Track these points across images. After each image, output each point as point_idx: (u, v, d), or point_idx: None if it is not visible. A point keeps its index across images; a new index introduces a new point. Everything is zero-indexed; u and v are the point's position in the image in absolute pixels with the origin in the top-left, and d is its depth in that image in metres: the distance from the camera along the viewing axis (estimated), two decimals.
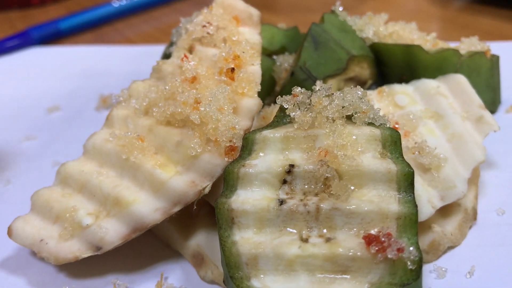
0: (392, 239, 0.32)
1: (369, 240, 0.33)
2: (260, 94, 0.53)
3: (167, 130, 0.42)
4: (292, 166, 0.37)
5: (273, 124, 0.40)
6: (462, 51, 0.53)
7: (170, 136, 0.42)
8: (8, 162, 0.56)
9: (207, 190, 0.40)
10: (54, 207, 0.42)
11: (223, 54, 0.44)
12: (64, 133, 0.61)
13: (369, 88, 0.56)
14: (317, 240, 0.34)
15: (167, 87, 0.44)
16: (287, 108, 0.39)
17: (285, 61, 0.53)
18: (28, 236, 0.41)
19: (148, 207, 0.40)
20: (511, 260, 0.40)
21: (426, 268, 0.40)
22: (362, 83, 0.55)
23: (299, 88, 0.40)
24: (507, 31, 0.80)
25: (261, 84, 0.53)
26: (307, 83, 0.49)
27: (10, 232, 0.42)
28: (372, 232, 0.34)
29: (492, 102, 0.56)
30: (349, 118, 0.39)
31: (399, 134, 0.37)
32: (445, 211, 0.43)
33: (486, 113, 0.47)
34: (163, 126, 0.43)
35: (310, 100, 0.39)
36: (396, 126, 0.45)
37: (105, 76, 0.74)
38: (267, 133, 0.39)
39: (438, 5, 0.94)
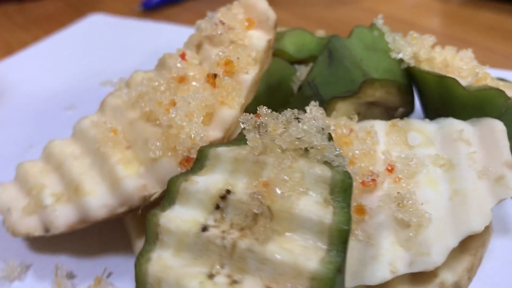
0: None
1: None
2: (275, 104, 0.50)
3: (144, 127, 0.41)
4: (228, 192, 0.33)
5: (233, 142, 0.37)
6: None
7: (144, 133, 0.41)
8: (42, 127, 0.60)
9: (153, 198, 0.39)
10: (29, 181, 0.43)
11: (217, 57, 0.42)
12: None
13: (404, 116, 0.49)
14: (223, 279, 0.31)
15: (156, 83, 0.43)
16: (244, 128, 0.36)
17: (305, 72, 0.48)
18: (1, 202, 0.43)
19: (98, 202, 0.39)
20: None
21: None
22: (392, 110, 0.48)
23: (265, 108, 0.36)
24: (509, 26, 0.77)
25: (279, 93, 0.50)
26: (313, 100, 0.44)
27: None
28: (278, 286, 0.29)
29: None
30: (307, 151, 0.34)
31: (351, 182, 0.32)
32: (416, 279, 0.36)
33: (509, 174, 0.38)
34: (143, 122, 0.42)
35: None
36: (389, 168, 0.39)
37: None
38: (221, 150, 0.36)
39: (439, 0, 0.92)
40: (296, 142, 0.33)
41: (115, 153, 0.41)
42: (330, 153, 0.33)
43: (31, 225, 0.41)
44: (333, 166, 0.33)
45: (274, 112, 0.36)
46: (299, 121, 0.34)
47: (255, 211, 0.32)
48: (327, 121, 0.34)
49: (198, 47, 0.46)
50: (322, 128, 0.34)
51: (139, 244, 0.41)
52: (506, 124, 0.42)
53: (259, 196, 0.32)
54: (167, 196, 0.36)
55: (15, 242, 0.44)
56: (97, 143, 0.42)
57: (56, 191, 0.42)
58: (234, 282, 0.31)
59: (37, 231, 0.41)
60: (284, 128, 0.34)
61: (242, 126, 0.36)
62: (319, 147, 0.33)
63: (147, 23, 0.88)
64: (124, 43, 0.82)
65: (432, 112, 0.48)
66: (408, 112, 0.49)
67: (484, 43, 0.72)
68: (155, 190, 0.39)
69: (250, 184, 0.33)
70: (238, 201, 0.33)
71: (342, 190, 0.32)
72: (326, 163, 0.33)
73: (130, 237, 0.43)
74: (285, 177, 0.32)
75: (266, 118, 0.35)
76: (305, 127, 0.33)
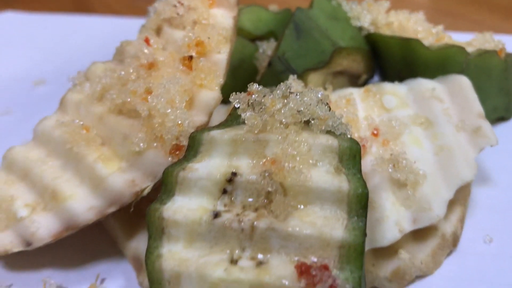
0: (326, 273, 0.28)
1: (301, 271, 0.28)
2: (239, 84, 0.49)
3: (117, 120, 0.39)
4: (234, 174, 0.32)
5: (225, 124, 0.36)
6: (471, 48, 0.46)
7: (119, 127, 0.38)
8: None
9: (146, 192, 0.36)
10: None
11: (186, 39, 0.40)
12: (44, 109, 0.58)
13: (365, 83, 0.50)
14: (248, 263, 0.30)
15: (123, 73, 0.40)
16: (238, 108, 0.35)
17: (269, 48, 0.48)
18: None
19: (83, 205, 0.36)
20: None
21: None
22: (355, 78, 0.49)
23: (256, 85, 0.35)
24: None
25: (241, 72, 0.49)
26: (285, 75, 0.44)
27: None
28: (308, 260, 0.29)
29: (506, 108, 0.49)
30: (308, 124, 0.34)
31: (359, 147, 0.32)
32: (418, 235, 0.37)
33: (485, 124, 0.40)
34: (114, 115, 0.39)
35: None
36: (375, 132, 0.40)
37: (100, 49, 0.70)
38: (215, 133, 0.34)
39: None
40: (298, 115, 0.33)
41: (90, 152, 0.38)
42: (333, 122, 0.33)
43: (7, 241, 0.37)
44: (338, 134, 0.33)
45: (265, 88, 0.35)
46: (296, 95, 0.33)
47: (269, 189, 0.31)
48: (323, 92, 0.34)
49: (158, 31, 0.44)
50: (321, 99, 0.33)
51: (130, 244, 0.39)
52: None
53: (270, 174, 0.31)
54: (164, 188, 0.34)
55: None
56: (67, 143, 0.39)
57: (28, 201, 0.38)
58: (260, 263, 0.30)
59: (16, 247, 0.37)
60: (283, 102, 0.33)
61: (237, 106, 0.34)
62: (322, 118, 0.33)
63: (63, 17, 0.82)
64: (45, 40, 0.76)
65: (394, 76, 0.49)
66: (368, 78, 0.50)
67: (471, 15, 0.73)
68: (145, 184, 0.36)
69: (256, 164, 0.32)
70: (247, 182, 0.32)
71: (351, 157, 0.32)
72: (329, 132, 0.33)
73: (116, 239, 0.40)
74: (293, 151, 0.32)
75: (257, 95, 0.34)
76: (305, 98, 0.33)
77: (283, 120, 0.33)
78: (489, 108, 0.48)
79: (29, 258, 0.40)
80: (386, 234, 0.35)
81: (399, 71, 0.48)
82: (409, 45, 0.45)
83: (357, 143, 0.32)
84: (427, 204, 0.36)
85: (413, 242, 0.37)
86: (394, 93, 0.43)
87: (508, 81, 0.48)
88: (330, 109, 0.34)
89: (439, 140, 0.40)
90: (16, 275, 0.39)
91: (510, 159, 0.45)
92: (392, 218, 0.36)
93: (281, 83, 0.34)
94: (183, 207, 0.32)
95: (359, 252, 0.29)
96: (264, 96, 0.34)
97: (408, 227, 0.36)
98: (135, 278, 0.38)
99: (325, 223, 0.30)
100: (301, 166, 0.31)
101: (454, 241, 0.38)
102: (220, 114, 0.45)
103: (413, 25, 0.48)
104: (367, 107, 0.42)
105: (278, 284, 0.28)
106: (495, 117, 0.49)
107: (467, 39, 0.49)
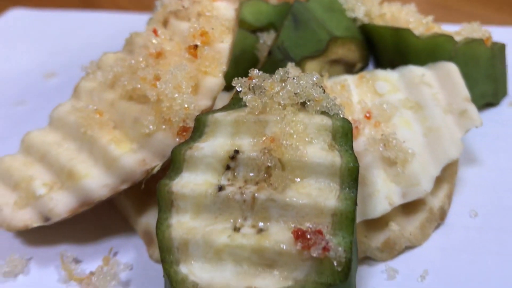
0: (319, 237, 0.31)
1: (297, 235, 0.31)
2: (241, 73, 0.52)
3: (128, 106, 0.42)
4: (236, 152, 0.35)
5: (228, 107, 0.39)
6: (459, 38, 0.49)
7: (130, 111, 0.41)
8: None
9: (155, 170, 0.39)
10: (14, 175, 0.42)
11: (191, 30, 0.43)
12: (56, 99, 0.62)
13: (360, 71, 0.53)
14: (249, 230, 0.33)
15: (133, 61, 0.43)
16: (240, 91, 0.37)
17: (269, 39, 0.51)
18: None
19: (97, 183, 0.39)
20: (469, 268, 0.37)
21: (377, 268, 0.38)
22: (350, 66, 0.52)
23: (256, 71, 0.38)
24: None
25: (243, 62, 0.52)
26: (284, 63, 0.46)
27: None
28: (304, 227, 0.32)
29: (494, 94, 0.52)
30: (304, 105, 0.37)
31: (351, 126, 0.35)
32: (408, 209, 0.40)
33: (471, 107, 0.43)
34: (125, 101, 0.42)
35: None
36: (368, 115, 0.43)
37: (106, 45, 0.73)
38: (219, 115, 0.37)
39: None
40: (295, 97, 0.36)
41: (103, 135, 0.41)
42: (327, 103, 0.36)
43: (27, 217, 0.40)
44: (331, 115, 0.36)
45: (265, 73, 0.38)
46: (293, 78, 0.36)
47: (268, 164, 0.34)
48: (318, 76, 0.37)
49: (165, 23, 0.47)
50: (316, 82, 0.36)
51: (141, 220, 0.42)
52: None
53: (269, 151, 0.34)
54: (173, 165, 0.37)
55: (7, 241, 0.43)
56: (81, 127, 0.42)
57: (46, 181, 0.41)
58: (261, 230, 0.33)
59: (35, 222, 0.40)
60: (281, 85, 0.36)
61: (239, 89, 0.37)
62: (317, 99, 0.35)
63: (70, 13, 0.85)
64: (53, 35, 0.79)
65: (386, 64, 0.52)
66: (363, 67, 0.53)
67: (464, 8, 0.75)
68: (155, 163, 0.39)
69: (257, 142, 0.35)
70: (249, 158, 0.35)
71: (343, 134, 0.35)
72: (324, 113, 0.36)
73: (127, 216, 0.43)
74: (290, 130, 0.35)
75: (257, 80, 0.37)
76: (302, 82, 0.36)
77: (281, 102, 0.36)
78: (477, 94, 0.51)
79: (47, 233, 0.43)
80: (377, 207, 0.38)
81: (392, 60, 0.51)
82: (400, 34, 0.48)
83: (349, 122, 0.35)
84: (416, 180, 0.39)
85: (402, 215, 0.40)
86: (386, 79, 0.46)
87: (495, 68, 0.50)
88: (324, 91, 0.36)
89: (428, 122, 0.42)
90: (35, 249, 0.42)
91: (496, 141, 0.48)
92: (383, 193, 0.39)
93: (280, 69, 0.37)
94: (190, 182, 0.35)
95: (351, 220, 0.32)
96: (263, 80, 0.37)
97: (397, 200, 0.39)
98: (146, 251, 0.41)
99: (320, 194, 0.33)
100: (297, 143, 0.34)
101: (441, 215, 0.41)
102: (223, 100, 0.48)
103: (405, 16, 0.51)
104: (360, 92, 0.45)
105: (276, 248, 0.31)
106: (484, 103, 0.52)
107: (456, 30, 0.52)
